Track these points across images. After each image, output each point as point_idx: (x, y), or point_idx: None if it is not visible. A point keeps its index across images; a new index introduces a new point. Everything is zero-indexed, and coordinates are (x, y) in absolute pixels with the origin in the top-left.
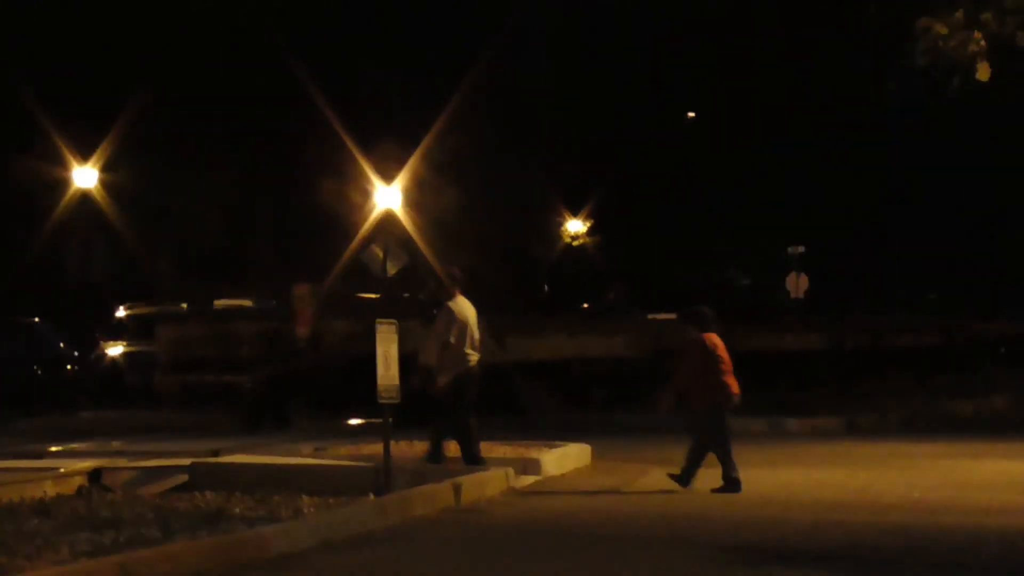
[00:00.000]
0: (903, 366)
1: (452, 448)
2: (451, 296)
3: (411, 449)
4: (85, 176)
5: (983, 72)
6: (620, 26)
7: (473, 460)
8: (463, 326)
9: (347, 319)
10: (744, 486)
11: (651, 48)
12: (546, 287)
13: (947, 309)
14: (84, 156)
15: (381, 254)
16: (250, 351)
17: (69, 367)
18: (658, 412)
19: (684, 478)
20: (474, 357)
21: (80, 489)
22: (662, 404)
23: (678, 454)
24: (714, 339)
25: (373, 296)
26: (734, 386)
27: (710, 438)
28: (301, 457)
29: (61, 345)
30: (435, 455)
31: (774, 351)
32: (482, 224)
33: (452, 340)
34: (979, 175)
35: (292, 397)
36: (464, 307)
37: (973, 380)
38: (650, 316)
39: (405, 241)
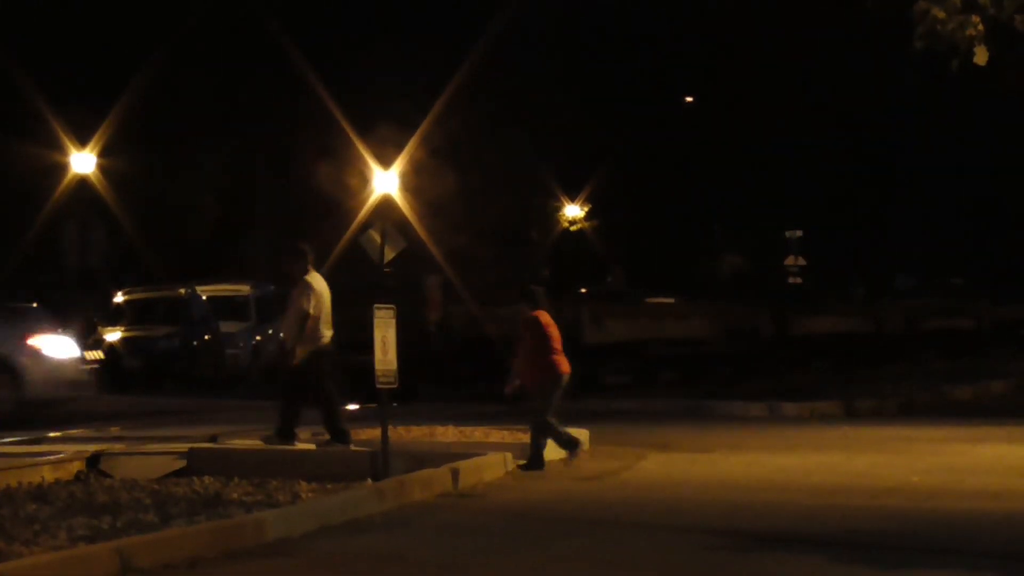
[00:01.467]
0: (938, 348)
1: (450, 433)
2: (306, 271)
3: (408, 434)
4: (83, 161)
5: (981, 56)
6: (620, 11)
7: (338, 434)
8: (321, 301)
9: (462, 305)
10: (743, 470)
11: (650, 32)
12: (546, 271)
13: (973, 293)
14: (82, 141)
15: (379, 239)
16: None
17: None
18: (506, 396)
19: (534, 462)
20: (328, 334)
21: (78, 474)
22: (509, 388)
23: (677, 438)
24: (546, 317)
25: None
26: (564, 364)
27: (540, 412)
28: (299, 442)
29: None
30: (287, 432)
31: (824, 334)
32: (479, 208)
33: (312, 312)
34: (982, 163)
35: (421, 374)
36: (321, 283)
37: (973, 364)
38: (649, 300)
39: (403, 225)
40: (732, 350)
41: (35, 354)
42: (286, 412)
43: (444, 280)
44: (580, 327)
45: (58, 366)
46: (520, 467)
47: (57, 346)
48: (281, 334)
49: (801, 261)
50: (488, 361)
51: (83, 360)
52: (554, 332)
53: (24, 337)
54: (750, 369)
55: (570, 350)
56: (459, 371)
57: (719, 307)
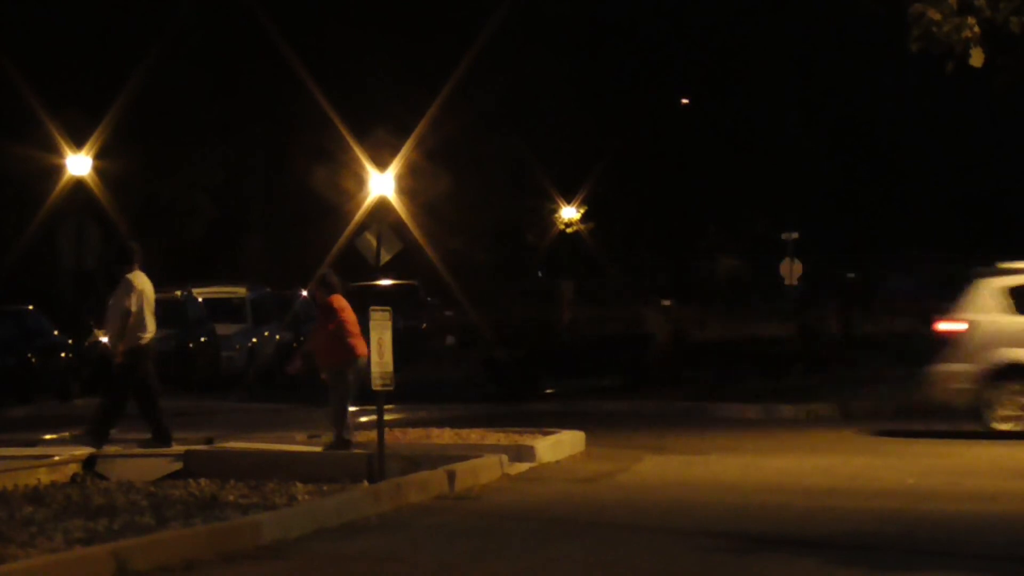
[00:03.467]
0: None
1: (446, 436)
2: (131, 269)
3: (405, 436)
4: (79, 163)
5: (976, 58)
6: (618, 12)
7: (160, 433)
8: (142, 299)
9: (590, 307)
10: (739, 472)
11: (648, 33)
12: (540, 273)
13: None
14: (78, 143)
15: (375, 241)
16: (523, 331)
17: (63, 355)
18: (289, 373)
19: (341, 443)
20: (149, 332)
21: (74, 477)
22: (292, 367)
23: (673, 440)
24: (341, 301)
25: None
26: (360, 347)
27: (338, 396)
28: (295, 444)
29: (55, 333)
30: (102, 431)
31: (885, 333)
32: (476, 210)
33: (133, 309)
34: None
35: (550, 367)
36: (144, 282)
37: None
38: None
39: (399, 228)
40: (806, 349)
41: None
42: (106, 410)
43: (577, 285)
44: (687, 328)
45: None
46: (327, 447)
47: None
48: (105, 332)
49: (797, 266)
50: (607, 356)
51: None
52: (350, 316)
53: None
54: (820, 366)
55: (678, 348)
56: (584, 366)
57: (793, 309)
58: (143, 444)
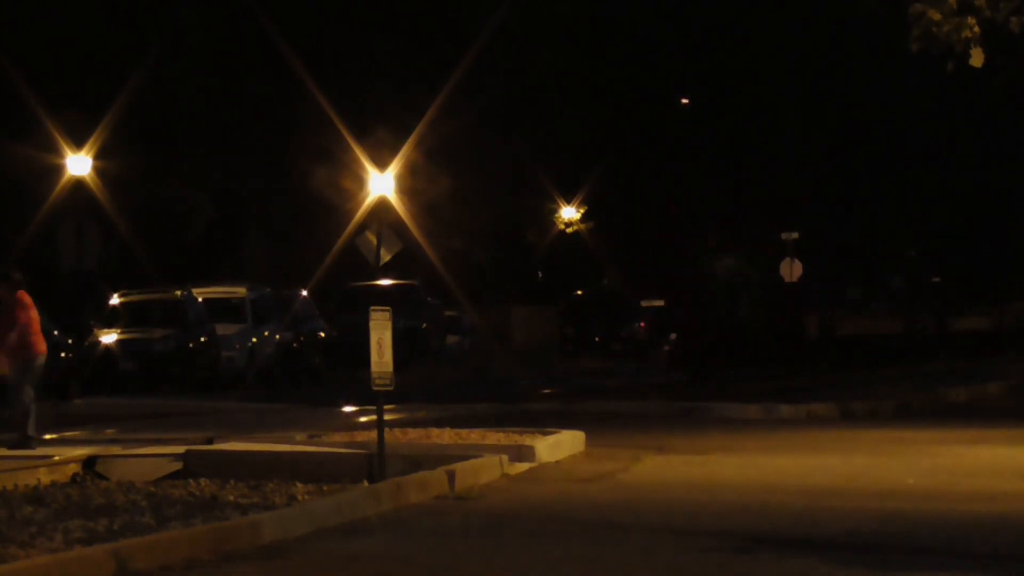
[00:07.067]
0: None
1: (446, 435)
2: None
3: (405, 436)
4: (79, 164)
5: (977, 58)
6: (617, 12)
7: None
8: None
9: (759, 308)
10: (739, 472)
11: (648, 32)
12: (540, 273)
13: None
14: (78, 143)
15: (375, 240)
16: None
17: (63, 355)
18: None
19: (24, 441)
20: None
21: (74, 477)
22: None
23: (673, 440)
24: (27, 299)
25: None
26: (41, 344)
27: (24, 392)
28: (295, 444)
29: (55, 333)
30: None
31: (972, 331)
32: (476, 210)
33: None
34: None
35: (727, 359)
36: None
37: (970, 367)
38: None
39: (399, 227)
40: (908, 344)
41: None
42: None
43: (749, 291)
44: (833, 326)
45: None
46: (11, 446)
47: None
48: None
49: (797, 266)
50: (770, 350)
51: None
52: (34, 315)
53: None
54: (923, 357)
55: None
56: (753, 358)
57: (898, 309)
58: None
